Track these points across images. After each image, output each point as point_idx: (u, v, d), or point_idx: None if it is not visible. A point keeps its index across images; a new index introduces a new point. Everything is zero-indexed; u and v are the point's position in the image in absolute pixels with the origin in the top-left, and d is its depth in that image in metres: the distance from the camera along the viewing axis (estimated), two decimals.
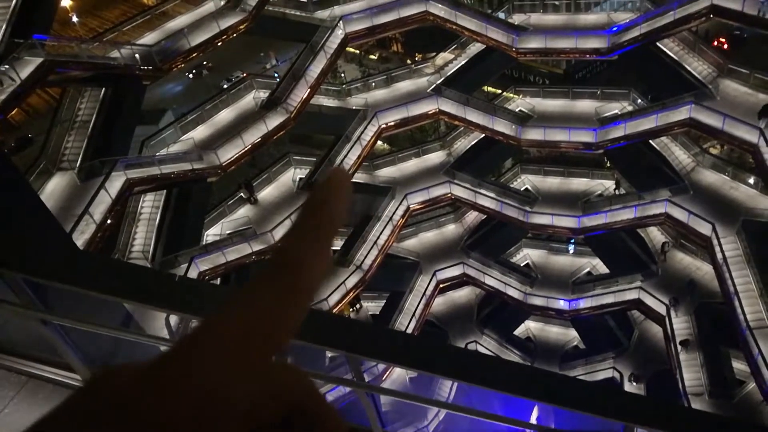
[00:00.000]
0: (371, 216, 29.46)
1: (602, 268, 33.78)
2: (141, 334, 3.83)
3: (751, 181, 27.56)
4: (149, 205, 25.94)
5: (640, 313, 31.95)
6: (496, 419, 3.31)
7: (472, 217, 34.32)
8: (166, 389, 0.51)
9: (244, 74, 34.66)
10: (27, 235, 4.76)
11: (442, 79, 30.86)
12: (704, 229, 26.00)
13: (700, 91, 26.06)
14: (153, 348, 3.74)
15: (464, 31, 29.38)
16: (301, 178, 29.03)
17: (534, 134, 28.99)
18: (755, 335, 22.96)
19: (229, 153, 25.07)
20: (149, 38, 25.43)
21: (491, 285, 32.11)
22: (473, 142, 32.72)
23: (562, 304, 31.29)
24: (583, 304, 31.02)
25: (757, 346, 22.68)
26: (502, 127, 29.12)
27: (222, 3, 26.72)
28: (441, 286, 32.19)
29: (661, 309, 28.86)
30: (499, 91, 37.23)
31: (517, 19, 30.05)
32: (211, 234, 27.54)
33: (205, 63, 57.87)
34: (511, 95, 33.11)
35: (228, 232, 27.32)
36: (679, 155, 29.30)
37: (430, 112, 30.21)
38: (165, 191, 25.93)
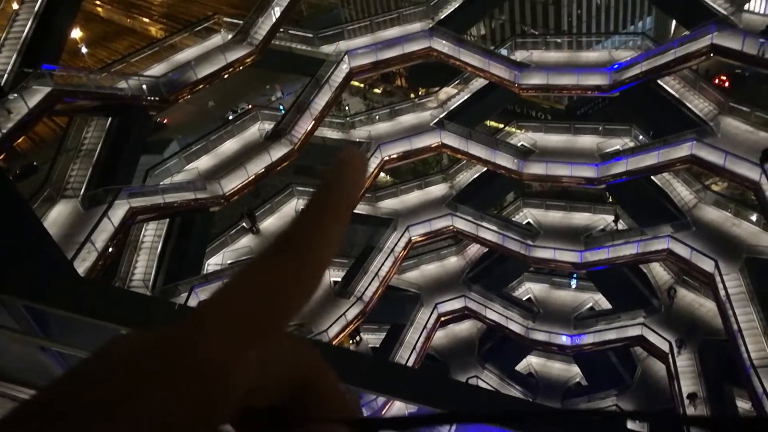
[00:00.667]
0: (373, 247, 29.45)
1: (605, 304, 33.56)
2: None
3: (754, 218, 27.56)
4: (151, 233, 25.99)
5: (643, 350, 31.65)
6: None
7: (473, 249, 34.26)
8: (174, 359, 0.51)
9: (250, 106, 35.04)
10: (28, 262, 4.78)
11: (445, 113, 31.15)
12: (707, 265, 25.90)
13: (702, 129, 26.24)
14: None
15: (467, 67, 29.75)
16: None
17: (536, 168, 29.11)
18: (759, 373, 22.71)
19: (232, 183, 25.20)
20: (157, 70, 25.78)
21: (493, 319, 31.87)
22: (475, 176, 32.84)
23: (564, 340, 31.01)
24: (586, 339, 30.75)
25: (761, 384, 22.41)
26: (504, 161, 29.28)
27: (229, 37, 27.17)
28: (442, 319, 31.96)
29: (665, 346, 28.58)
30: (502, 126, 37.51)
31: (519, 55, 30.45)
32: (213, 263, 27.50)
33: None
34: (514, 130, 33.37)
35: (229, 261, 27.30)
36: (681, 191, 29.36)
37: (432, 146, 30.42)
38: (167, 220, 26.01)
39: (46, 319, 3.49)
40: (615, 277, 30.94)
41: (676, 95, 28.16)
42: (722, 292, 24.83)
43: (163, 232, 26.01)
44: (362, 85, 63.61)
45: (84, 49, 65.14)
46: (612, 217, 32.75)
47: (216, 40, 27.45)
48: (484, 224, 30.18)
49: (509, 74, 28.83)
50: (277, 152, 26.22)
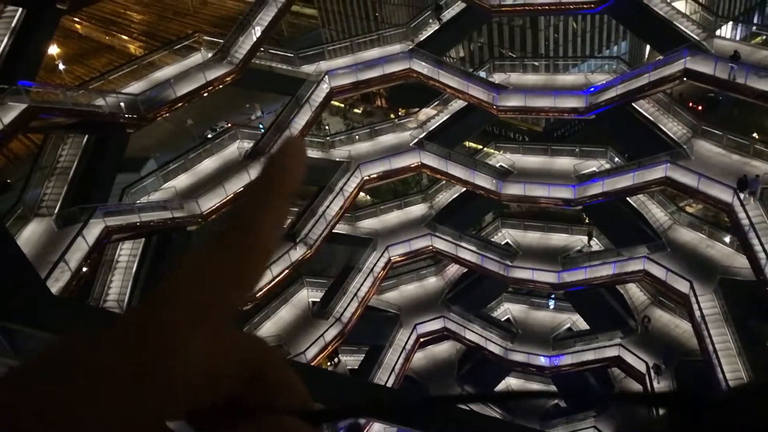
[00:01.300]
0: (352, 267, 29.31)
1: (582, 324, 33.74)
2: None
3: (727, 239, 28.00)
4: (126, 253, 25.58)
5: (620, 371, 31.78)
6: None
7: (453, 270, 34.30)
8: (124, 347, 0.52)
9: (229, 124, 34.93)
10: (1, 282, 4.65)
11: (425, 133, 31.34)
12: (682, 286, 26.18)
13: (676, 151, 26.70)
14: None
15: (447, 89, 30.04)
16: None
17: (514, 189, 29.35)
18: None
19: (210, 202, 25.00)
20: (135, 87, 25.59)
21: (472, 340, 31.84)
22: (454, 196, 33.02)
23: (542, 361, 31.05)
24: (564, 360, 30.82)
25: None
26: (483, 181, 29.48)
27: (209, 55, 27.13)
28: (421, 340, 31.85)
29: (641, 367, 28.74)
30: (480, 147, 37.86)
31: (497, 78, 30.85)
32: None
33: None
34: (492, 151, 33.68)
35: None
36: (657, 213, 29.77)
37: (412, 166, 30.54)
38: (143, 239, 25.66)
39: (17, 338, 3.39)
40: (592, 297, 31.16)
41: (651, 118, 28.67)
42: (697, 313, 25.10)
43: (139, 251, 25.63)
44: (342, 105, 63.86)
45: (61, 66, 64.63)
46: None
47: (196, 58, 27.38)
48: (463, 244, 30.26)
49: (488, 96, 29.16)
50: (257, 171, 26.03)
